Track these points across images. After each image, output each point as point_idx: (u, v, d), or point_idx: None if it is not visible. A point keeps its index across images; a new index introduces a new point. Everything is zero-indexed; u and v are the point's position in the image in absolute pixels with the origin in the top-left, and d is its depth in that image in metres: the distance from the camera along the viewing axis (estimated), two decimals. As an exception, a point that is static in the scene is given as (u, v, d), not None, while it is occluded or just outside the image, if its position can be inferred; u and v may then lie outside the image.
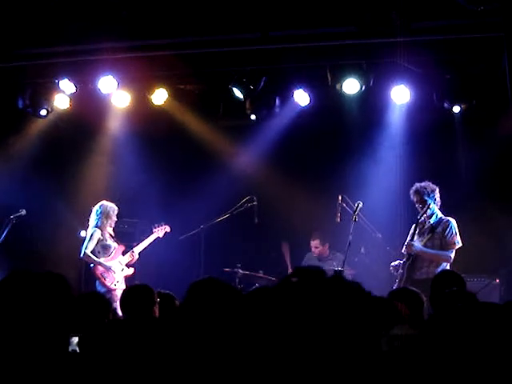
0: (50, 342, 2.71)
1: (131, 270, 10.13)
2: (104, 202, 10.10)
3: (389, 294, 5.54)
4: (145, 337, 3.72)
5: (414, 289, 5.86)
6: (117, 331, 3.53)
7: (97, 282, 9.87)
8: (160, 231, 10.55)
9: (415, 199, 9.00)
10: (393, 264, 9.01)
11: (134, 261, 10.21)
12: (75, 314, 2.77)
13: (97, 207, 10.07)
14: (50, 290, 2.75)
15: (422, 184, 8.98)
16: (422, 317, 5.37)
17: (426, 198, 8.86)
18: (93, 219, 10.05)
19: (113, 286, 9.79)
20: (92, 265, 9.94)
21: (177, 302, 5.87)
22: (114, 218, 10.13)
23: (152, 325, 4.18)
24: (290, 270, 11.13)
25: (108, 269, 9.87)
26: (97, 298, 5.63)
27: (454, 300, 5.50)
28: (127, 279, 9.98)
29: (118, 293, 9.32)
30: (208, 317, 2.95)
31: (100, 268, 9.88)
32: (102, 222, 10.00)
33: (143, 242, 10.38)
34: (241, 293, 3.12)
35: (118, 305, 6.12)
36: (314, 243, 11.08)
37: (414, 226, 8.95)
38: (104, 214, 10.00)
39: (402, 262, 8.88)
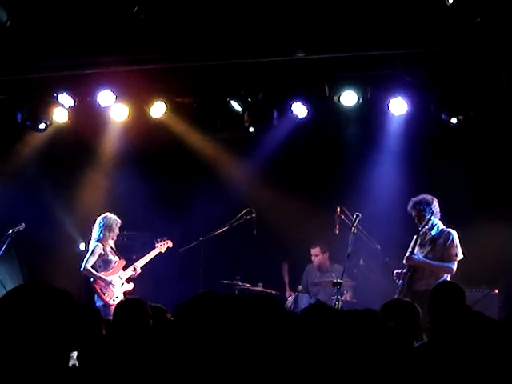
0: (52, 357, 2.72)
1: (131, 286, 10.09)
2: (107, 215, 10.06)
3: (381, 307, 5.47)
4: (139, 350, 3.73)
5: (408, 300, 5.83)
6: (114, 345, 3.54)
7: (95, 296, 9.83)
8: (162, 246, 10.51)
9: (413, 214, 9.00)
10: (396, 271, 9.00)
11: (136, 275, 10.16)
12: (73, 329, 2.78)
13: (100, 219, 10.03)
14: (58, 306, 2.76)
15: (418, 198, 8.96)
16: (418, 328, 5.34)
17: (424, 213, 8.85)
18: (95, 231, 10.00)
19: (111, 302, 9.73)
20: (92, 279, 9.91)
21: (168, 315, 5.88)
22: (117, 231, 10.09)
23: (145, 338, 4.18)
24: (287, 291, 11.18)
25: (108, 284, 9.84)
26: (88, 311, 5.64)
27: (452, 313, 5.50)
28: (127, 294, 9.94)
29: (117, 308, 9.30)
30: (202, 329, 2.95)
31: (100, 283, 9.84)
32: (105, 235, 9.96)
33: (145, 257, 10.33)
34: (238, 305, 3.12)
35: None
36: (315, 251, 11.05)
37: (415, 237, 8.94)
38: (107, 227, 9.97)
39: (404, 271, 8.87)
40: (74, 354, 3.81)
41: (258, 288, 10.46)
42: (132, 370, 3.44)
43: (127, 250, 10.71)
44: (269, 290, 10.51)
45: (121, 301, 6.67)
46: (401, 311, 5.27)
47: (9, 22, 8.37)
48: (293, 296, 10.63)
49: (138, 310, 5.45)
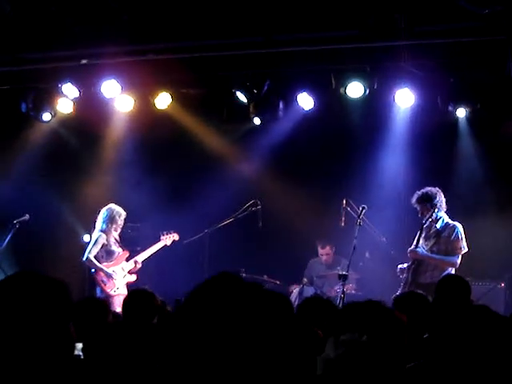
0: (54, 348, 2.68)
1: (133, 277, 10.05)
2: (112, 206, 10.03)
3: (394, 298, 5.48)
4: (145, 340, 3.70)
5: (421, 292, 5.81)
6: (119, 335, 3.52)
7: (97, 288, 9.82)
8: (168, 239, 10.46)
9: (418, 208, 8.96)
10: (400, 266, 8.97)
11: (136, 269, 10.12)
12: (76, 321, 2.73)
13: (104, 210, 10.00)
14: (51, 294, 2.72)
15: (423, 191, 8.92)
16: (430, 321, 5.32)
17: (428, 206, 8.81)
18: (99, 222, 9.97)
19: (112, 293, 9.70)
20: (93, 270, 9.89)
21: (168, 308, 5.88)
22: (121, 223, 10.04)
23: (151, 329, 4.16)
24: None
25: (109, 275, 9.81)
26: (94, 304, 5.63)
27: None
28: (129, 285, 9.91)
29: (117, 299, 9.28)
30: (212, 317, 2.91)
31: (101, 273, 9.81)
32: (108, 226, 9.92)
33: (149, 249, 10.29)
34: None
35: (117, 310, 6.12)
36: (325, 251, 10.98)
37: (419, 230, 8.90)
38: (110, 218, 9.93)
39: (408, 265, 8.85)
40: (79, 345, 3.79)
41: (262, 279, 10.47)
42: (137, 362, 3.41)
43: (131, 242, 10.69)
44: (274, 281, 10.51)
45: (131, 291, 6.66)
46: (413, 304, 5.25)
47: (12, 12, 8.35)
48: (297, 289, 10.62)
49: (146, 302, 5.47)
